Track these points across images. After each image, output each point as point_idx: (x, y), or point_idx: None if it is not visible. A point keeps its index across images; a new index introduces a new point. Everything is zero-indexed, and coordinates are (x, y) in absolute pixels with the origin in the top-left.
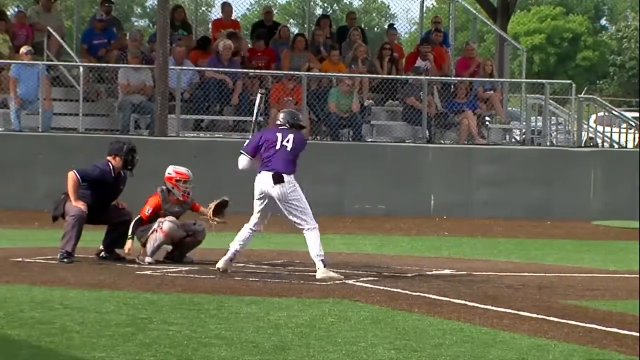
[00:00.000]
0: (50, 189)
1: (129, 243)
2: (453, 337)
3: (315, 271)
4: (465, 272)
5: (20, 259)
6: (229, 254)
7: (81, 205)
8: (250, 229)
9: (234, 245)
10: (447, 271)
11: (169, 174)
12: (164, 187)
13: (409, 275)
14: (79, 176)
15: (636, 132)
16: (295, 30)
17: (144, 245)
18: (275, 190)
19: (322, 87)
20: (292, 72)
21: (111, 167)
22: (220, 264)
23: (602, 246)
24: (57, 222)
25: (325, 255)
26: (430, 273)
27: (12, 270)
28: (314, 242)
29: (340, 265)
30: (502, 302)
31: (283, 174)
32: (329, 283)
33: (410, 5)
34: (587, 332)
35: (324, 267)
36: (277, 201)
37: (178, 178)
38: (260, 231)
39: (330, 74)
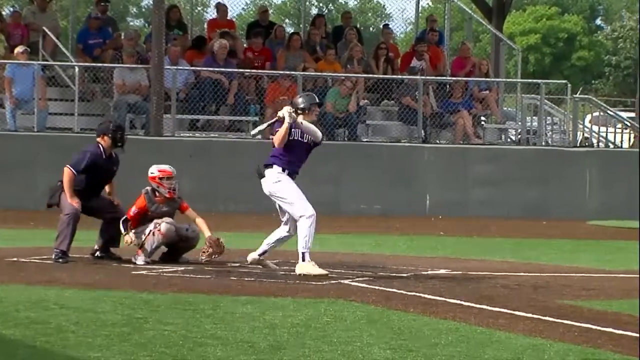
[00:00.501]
0: (44, 191)
1: (127, 237)
2: (449, 337)
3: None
4: (460, 272)
5: (15, 259)
6: (259, 250)
7: (75, 203)
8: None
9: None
10: (442, 271)
11: (152, 173)
12: (148, 189)
13: (405, 275)
14: (74, 170)
15: (631, 132)
16: (290, 30)
17: (140, 246)
18: (263, 187)
19: (317, 86)
20: (287, 72)
21: (102, 149)
22: (249, 258)
23: (598, 246)
24: (52, 220)
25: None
26: (425, 273)
27: (7, 270)
28: (300, 233)
29: (336, 265)
30: (498, 302)
31: (266, 169)
32: (324, 283)
33: (405, 5)
34: (582, 332)
35: (304, 260)
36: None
37: (161, 176)
38: (292, 234)
39: (326, 73)
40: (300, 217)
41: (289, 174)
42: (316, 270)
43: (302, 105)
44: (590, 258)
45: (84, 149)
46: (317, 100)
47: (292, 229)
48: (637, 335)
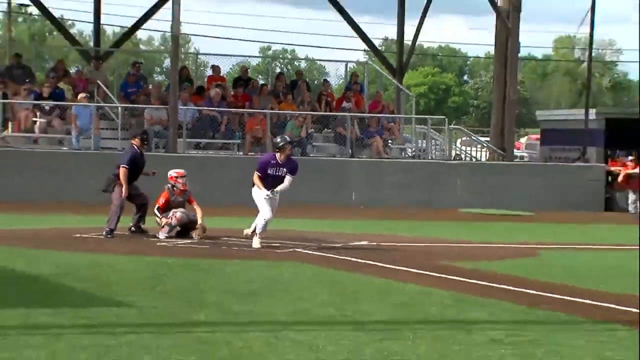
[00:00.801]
0: (99, 187)
1: (163, 220)
2: (369, 287)
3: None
4: (375, 243)
5: (79, 235)
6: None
7: (124, 194)
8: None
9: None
10: (364, 242)
11: (170, 175)
12: (169, 185)
13: (338, 245)
14: (127, 166)
15: (487, 150)
16: (262, 82)
17: (162, 226)
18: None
19: (280, 120)
20: (260, 110)
21: (136, 148)
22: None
23: (467, 225)
24: (104, 210)
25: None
26: (352, 244)
27: (73, 242)
28: (257, 222)
29: (295, 239)
30: (401, 263)
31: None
32: (285, 250)
33: (338, 66)
34: (457, 283)
35: (253, 231)
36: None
37: (177, 175)
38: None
39: (285, 111)
40: (262, 216)
41: (266, 185)
42: (257, 243)
43: (280, 145)
44: (461, 233)
45: (125, 151)
46: (289, 140)
47: (264, 216)
48: (497, 285)
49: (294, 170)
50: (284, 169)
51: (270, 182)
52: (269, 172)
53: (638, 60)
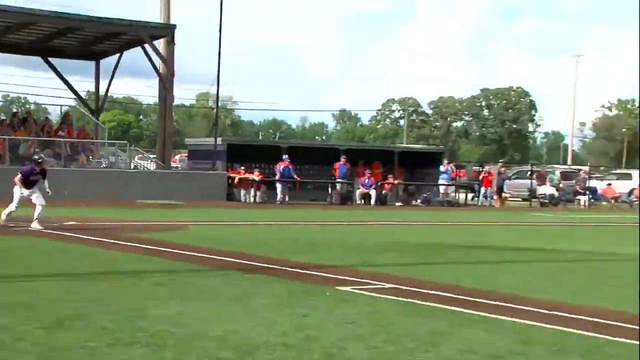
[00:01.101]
0: None
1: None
2: (79, 252)
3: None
4: (81, 223)
5: None
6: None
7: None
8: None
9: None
10: (73, 222)
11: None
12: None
13: (56, 225)
14: (22, 176)
15: (155, 163)
16: (3, 117)
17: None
18: None
19: (16, 143)
20: (1, 136)
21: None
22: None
23: (143, 210)
24: None
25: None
26: (66, 224)
27: None
28: (6, 210)
29: (29, 220)
30: (101, 236)
31: None
32: (20, 229)
33: (56, 108)
34: (137, 248)
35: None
36: None
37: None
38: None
39: (19, 137)
40: (9, 207)
41: (27, 186)
42: (38, 226)
43: (39, 161)
44: (140, 215)
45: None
46: (44, 158)
47: (40, 204)
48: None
49: (45, 174)
50: (40, 175)
51: (31, 184)
52: (30, 178)
53: (638, 64)
